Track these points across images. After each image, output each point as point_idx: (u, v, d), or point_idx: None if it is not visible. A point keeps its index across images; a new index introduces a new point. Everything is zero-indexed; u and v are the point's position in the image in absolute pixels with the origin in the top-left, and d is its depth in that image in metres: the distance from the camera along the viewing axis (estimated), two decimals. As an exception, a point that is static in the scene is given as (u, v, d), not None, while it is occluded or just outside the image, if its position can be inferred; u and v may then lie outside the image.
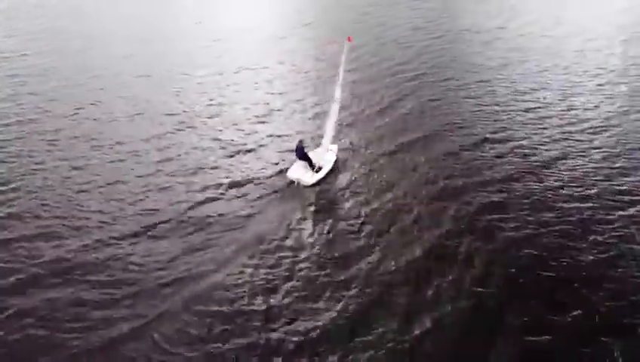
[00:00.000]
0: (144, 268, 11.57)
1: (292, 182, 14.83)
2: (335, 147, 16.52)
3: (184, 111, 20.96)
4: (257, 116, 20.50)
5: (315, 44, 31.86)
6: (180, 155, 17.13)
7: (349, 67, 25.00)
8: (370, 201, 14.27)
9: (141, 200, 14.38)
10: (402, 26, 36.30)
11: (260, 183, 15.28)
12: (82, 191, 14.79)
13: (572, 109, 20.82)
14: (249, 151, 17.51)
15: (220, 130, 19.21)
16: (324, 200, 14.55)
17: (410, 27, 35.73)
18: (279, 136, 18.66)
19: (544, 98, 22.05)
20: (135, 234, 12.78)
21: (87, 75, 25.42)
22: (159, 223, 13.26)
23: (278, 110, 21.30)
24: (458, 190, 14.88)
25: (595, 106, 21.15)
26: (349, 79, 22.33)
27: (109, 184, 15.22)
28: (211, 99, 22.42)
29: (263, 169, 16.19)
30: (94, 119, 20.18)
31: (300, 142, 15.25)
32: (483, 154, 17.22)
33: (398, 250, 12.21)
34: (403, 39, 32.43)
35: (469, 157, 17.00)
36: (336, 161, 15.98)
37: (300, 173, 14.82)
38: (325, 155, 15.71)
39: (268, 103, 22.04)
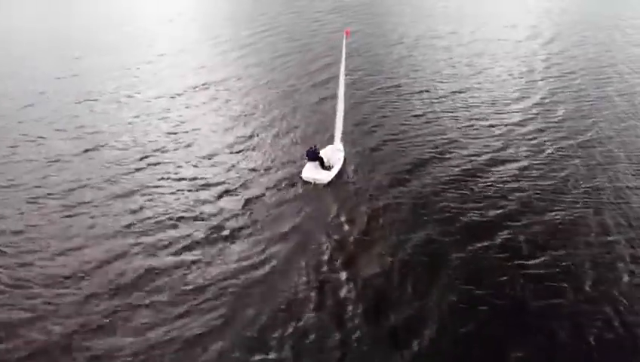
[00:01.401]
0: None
1: (307, 182, 15.27)
2: (341, 145, 16.89)
3: (141, 145, 18.06)
4: (230, 145, 18.10)
5: (274, 55, 29.69)
6: (148, 203, 14.42)
7: (326, 85, 23.74)
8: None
9: (101, 268, 11.67)
10: (359, 33, 34.95)
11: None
12: (25, 266, 11.79)
13: (564, 119, 20.42)
14: (229, 188, 15.22)
15: (188, 163, 16.71)
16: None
17: (368, 34, 34.48)
18: (256, 167, 16.49)
19: (529, 109, 21.53)
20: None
21: (17, 105, 21.68)
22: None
23: (249, 135, 18.99)
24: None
25: (587, 115, 20.97)
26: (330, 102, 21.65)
27: (58, 255, 12.20)
28: (170, 127, 19.64)
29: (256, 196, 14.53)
30: (32, 160, 16.88)
31: (314, 145, 15.89)
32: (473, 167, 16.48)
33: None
34: (365, 48, 31.03)
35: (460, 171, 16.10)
36: (344, 159, 16.51)
37: (314, 173, 15.42)
38: (335, 154, 16.34)
39: (234, 127, 19.79)
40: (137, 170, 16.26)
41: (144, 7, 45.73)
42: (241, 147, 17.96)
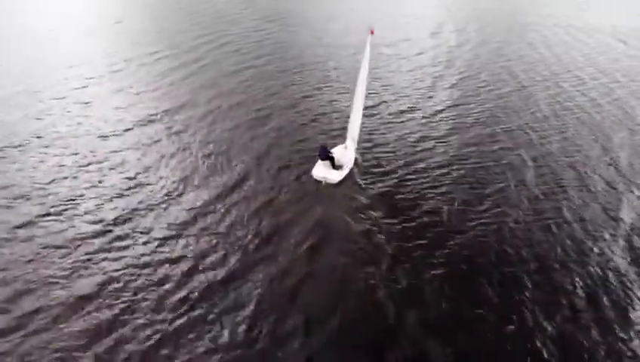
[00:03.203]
0: None
1: (318, 181, 15.22)
2: (353, 146, 16.58)
3: (93, 212, 13.71)
4: (205, 195, 14.42)
5: (227, 73, 25.88)
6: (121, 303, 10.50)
7: (284, 104, 21.28)
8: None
9: None
10: (315, 45, 32.25)
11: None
12: None
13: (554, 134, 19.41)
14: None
15: (161, 228, 12.82)
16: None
17: (323, 44, 31.85)
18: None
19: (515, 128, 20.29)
20: None
21: None
22: None
23: (226, 175, 15.46)
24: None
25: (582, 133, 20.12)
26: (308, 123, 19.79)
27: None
28: (125, 177, 15.39)
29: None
30: None
31: (325, 144, 15.90)
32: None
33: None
34: (332, 60, 28.37)
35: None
36: (356, 159, 16.34)
37: (324, 171, 15.39)
38: (346, 154, 16.17)
39: (206, 165, 16.19)
40: (97, 251, 11.98)
41: (46, 19, 38.99)
42: (223, 193, 14.54)
